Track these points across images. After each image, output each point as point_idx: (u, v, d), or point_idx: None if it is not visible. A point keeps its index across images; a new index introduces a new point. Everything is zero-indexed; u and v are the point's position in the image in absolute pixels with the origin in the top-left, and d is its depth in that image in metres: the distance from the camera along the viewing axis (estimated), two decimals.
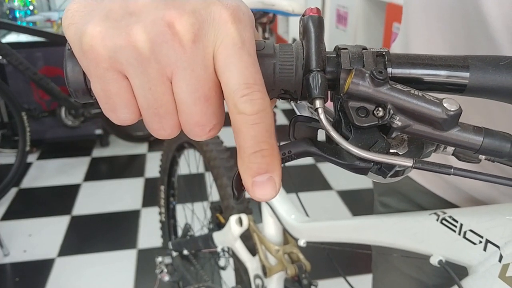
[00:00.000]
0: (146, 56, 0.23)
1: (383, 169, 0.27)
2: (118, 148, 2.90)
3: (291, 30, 4.08)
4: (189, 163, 1.38)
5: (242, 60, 0.24)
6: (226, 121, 0.25)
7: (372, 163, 0.27)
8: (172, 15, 0.23)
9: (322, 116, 0.26)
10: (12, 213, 2.21)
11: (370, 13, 2.75)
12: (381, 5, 2.58)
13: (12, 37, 2.70)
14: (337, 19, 3.11)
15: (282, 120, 3.32)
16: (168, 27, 0.23)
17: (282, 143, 0.29)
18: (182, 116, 0.25)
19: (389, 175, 0.27)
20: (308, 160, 2.71)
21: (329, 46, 0.31)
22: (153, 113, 0.25)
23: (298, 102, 0.30)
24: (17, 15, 3.46)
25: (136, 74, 0.24)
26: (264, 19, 0.97)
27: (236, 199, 0.28)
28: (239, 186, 0.27)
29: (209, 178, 1.20)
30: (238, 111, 0.23)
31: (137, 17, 0.23)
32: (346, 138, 0.26)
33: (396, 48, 0.55)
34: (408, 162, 0.26)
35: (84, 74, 0.26)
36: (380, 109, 0.26)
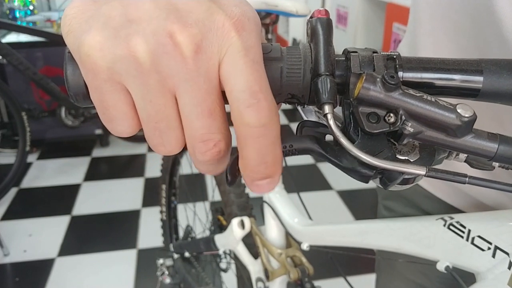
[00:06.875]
0: (146, 67, 0.22)
1: (384, 179, 0.26)
2: (118, 148, 2.90)
3: (291, 30, 4.07)
4: (191, 163, 1.37)
5: (247, 67, 0.23)
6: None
7: (374, 171, 0.26)
8: (174, 25, 0.22)
9: (331, 122, 0.25)
10: (12, 213, 2.21)
11: (370, 13, 2.74)
12: (381, 5, 2.57)
13: (12, 37, 2.69)
14: (337, 19, 3.10)
15: (282, 120, 3.31)
16: (169, 38, 0.22)
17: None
18: (186, 131, 0.24)
19: (390, 186, 0.27)
20: (308, 160, 2.70)
21: None
22: (154, 127, 0.24)
23: (305, 106, 0.29)
24: (17, 15, 3.45)
25: (136, 85, 0.23)
26: (267, 20, 0.96)
27: (229, 184, 0.27)
28: (234, 172, 0.27)
29: (211, 180, 1.20)
30: (243, 122, 0.22)
31: (137, 25, 0.22)
32: (353, 142, 0.26)
33: (403, 48, 0.54)
34: (421, 171, 0.25)
35: None
36: (391, 115, 0.25)
